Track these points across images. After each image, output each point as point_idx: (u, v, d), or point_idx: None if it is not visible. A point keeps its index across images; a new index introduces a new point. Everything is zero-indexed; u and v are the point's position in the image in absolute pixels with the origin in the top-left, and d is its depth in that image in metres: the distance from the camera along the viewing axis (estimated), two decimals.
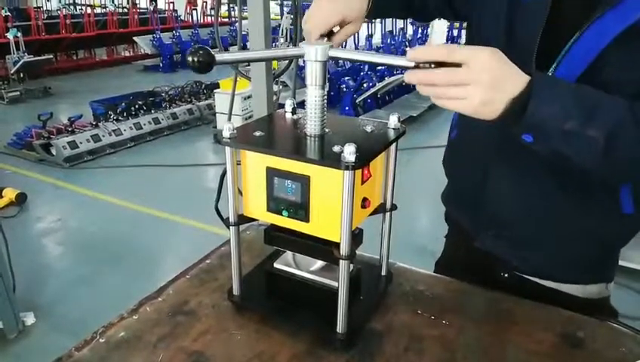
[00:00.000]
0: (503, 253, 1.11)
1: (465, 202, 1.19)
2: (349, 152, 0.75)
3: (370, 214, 0.99)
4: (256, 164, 0.88)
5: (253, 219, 1.00)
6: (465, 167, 1.16)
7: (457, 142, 1.19)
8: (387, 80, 6.88)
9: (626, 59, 0.81)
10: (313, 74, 0.85)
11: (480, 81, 0.73)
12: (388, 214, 1.02)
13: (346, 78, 6.93)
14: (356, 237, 0.96)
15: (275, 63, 2.42)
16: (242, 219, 0.96)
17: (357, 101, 6.79)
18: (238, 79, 2.09)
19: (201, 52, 0.76)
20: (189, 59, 0.76)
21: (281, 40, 7.22)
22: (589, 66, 0.83)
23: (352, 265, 0.92)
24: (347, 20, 0.98)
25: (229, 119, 1.14)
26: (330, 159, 0.79)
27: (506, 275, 1.13)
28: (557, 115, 0.75)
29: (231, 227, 0.95)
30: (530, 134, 0.78)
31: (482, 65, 0.72)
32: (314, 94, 0.87)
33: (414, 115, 6.87)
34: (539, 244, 1.07)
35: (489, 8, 1.01)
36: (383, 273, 1.09)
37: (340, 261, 0.85)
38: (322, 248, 0.92)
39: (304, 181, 0.83)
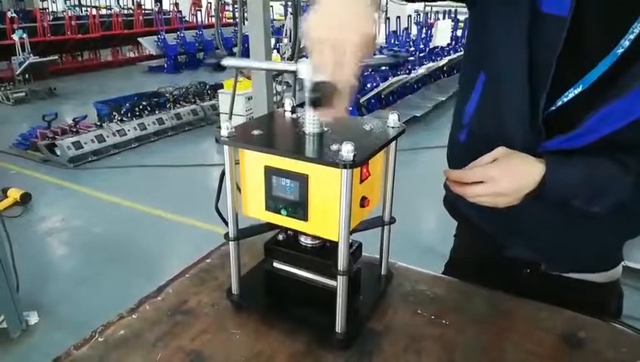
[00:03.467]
0: (532, 256, 1.11)
1: (492, 212, 1.13)
2: (347, 151, 0.75)
3: (369, 228, 1.00)
4: (254, 163, 0.88)
5: (253, 234, 1.02)
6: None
7: (470, 143, 1.12)
8: (391, 80, 6.87)
9: None
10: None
11: (499, 195, 0.90)
12: (387, 212, 1.02)
13: None
14: (355, 251, 0.97)
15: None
16: (242, 234, 0.97)
17: (361, 101, 6.79)
18: (240, 79, 2.09)
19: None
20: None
21: (285, 40, 7.23)
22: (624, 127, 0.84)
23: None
24: None
25: (230, 118, 1.14)
26: (328, 158, 0.78)
27: (529, 271, 1.13)
28: (565, 196, 0.89)
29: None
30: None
31: (499, 182, 0.88)
32: (312, 113, 0.87)
33: (418, 115, 6.85)
34: (565, 247, 1.07)
35: (507, 14, 0.94)
36: (383, 272, 1.09)
37: (338, 276, 0.85)
38: (320, 262, 0.93)
39: (302, 180, 0.83)
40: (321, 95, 0.74)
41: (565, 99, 0.88)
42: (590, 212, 0.90)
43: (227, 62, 0.89)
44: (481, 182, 0.90)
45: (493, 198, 0.90)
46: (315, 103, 0.75)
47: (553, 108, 0.90)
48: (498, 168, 0.89)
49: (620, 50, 0.82)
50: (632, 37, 0.80)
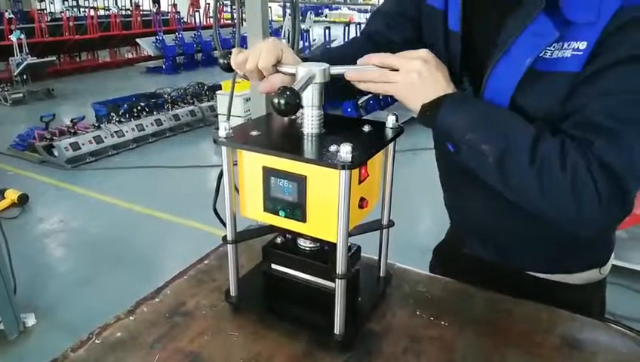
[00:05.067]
0: (490, 257, 1.16)
1: (451, 213, 1.27)
2: (346, 152, 0.75)
3: (368, 231, 1.00)
4: (252, 163, 0.88)
5: (252, 237, 1.02)
6: (443, 184, 1.24)
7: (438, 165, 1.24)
8: None
9: (534, 101, 0.86)
10: (309, 95, 0.85)
11: (406, 81, 0.85)
12: (386, 213, 1.01)
13: None
14: (353, 255, 0.96)
15: None
16: (240, 237, 0.96)
17: (359, 103, 6.79)
18: (238, 81, 2.09)
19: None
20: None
21: (284, 42, 7.23)
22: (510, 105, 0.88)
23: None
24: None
25: (228, 119, 1.14)
26: (326, 158, 0.78)
27: (499, 270, 1.15)
28: (460, 126, 0.84)
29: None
30: (449, 143, 0.88)
31: (413, 69, 0.84)
32: (310, 114, 0.87)
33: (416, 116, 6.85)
34: (520, 247, 1.11)
35: (428, 36, 1.07)
36: (382, 274, 1.08)
37: (337, 280, 0.85)
38: (319, 266, 0.93)
39: (301, 181, 0.83)
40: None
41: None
42: (480, 151, 0.83)
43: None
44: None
45: (395, 78, 0.86)
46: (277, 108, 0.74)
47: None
48: (415, 61, 0.84)
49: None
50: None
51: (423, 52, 0.85)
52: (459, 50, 0.97)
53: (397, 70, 0.85)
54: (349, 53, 1.04)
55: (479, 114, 0.85)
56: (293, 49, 1.95)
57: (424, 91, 0.85)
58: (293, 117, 0.98)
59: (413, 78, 0.84)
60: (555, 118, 0.85)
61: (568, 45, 0.81)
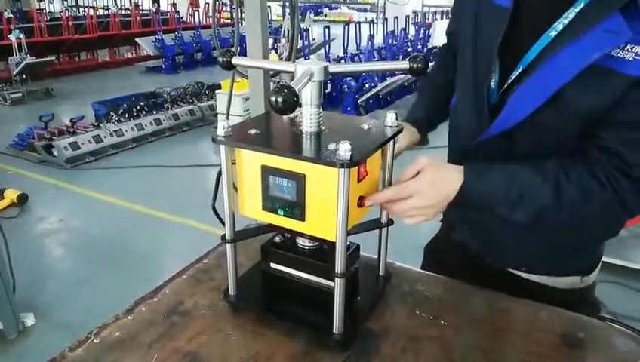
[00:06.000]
0: (474, 245, 1.17)
1: None
2: (344, 150, 0.75)
3: (367, 230, 1.00)
4: (251, 162, 0.87)
5: (250, 236, 1.02)
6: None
7: (449, 136, 1.24)
8: (389, 80, 6.87)
9: (584, 94, 0.85)
10: (308, 93, 0.85)
11: (427, 208, 0.92)
12: (385, 212, 1.01)
13: (348, 78, 6.92)
14: (352, 254, 0.96)
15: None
16: (239, 236, 0.96)
17: (359, 101, 6.78)
18: (238, 80, 2.08)
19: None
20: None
21: (283, 41, 7.22)
22: (550, 97, 0.87)
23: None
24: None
25: (227, 118, 1.13)
26: (325, 157, 0.78)
27: (483, 266, 1.16)
28: (486, 204, 0.93)
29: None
30: None
31: (425, 195, 0.90)
32: (309, 112, 0.87)
33: None
34: (508, 243, 1.11)
35: (463, 8, 1.07)
36: (381, 273, 1.08)
37: (336, 279, 0.85)
38: (318, 265, 0.92)
39: (299, 179, 0.83)
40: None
41: (510, 81, 0.94)
42: (515, 219, 0.92)
43: (237, 60, 0.93)
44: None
45: (423, 211, 0.92)
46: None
47: (499, 92, 0.96)
48: (423, 181, 0.91)
49: (553, 33, 0.86)
50: (565, 21, 0.85)
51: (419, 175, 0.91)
52: (504, 27, 0.92)
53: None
54: (441, 81, 1.28)
55: (499, 190, 0.90)
56: (292, 49, 1.96)
57: (442, 198, 0.91)
58: (292, 115, 0.97)
59: (424, 206, 0.91)
60: (598, 115, 0.85)
61: (632, 48, 0.79)
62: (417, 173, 0.92)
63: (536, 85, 0.87)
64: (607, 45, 0.79)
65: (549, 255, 1.09)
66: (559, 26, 0.86)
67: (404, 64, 0.86)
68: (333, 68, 0.86)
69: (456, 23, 1.20)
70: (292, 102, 0.69)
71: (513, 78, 0.93)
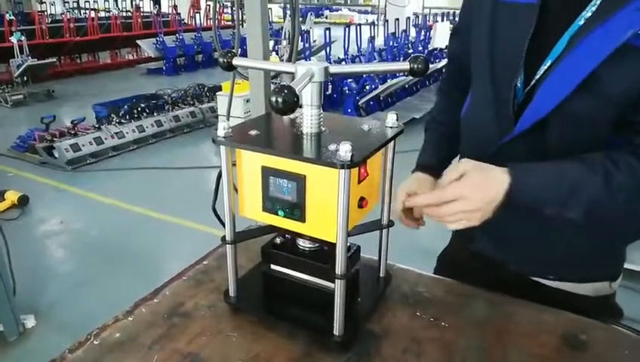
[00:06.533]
0: (497, 253, 1.13)
1: None
2: (345, 151, 0.74)
3: (367, 231, 0.99)
4: (251, 163, 0.87)
5: (251, 237, 1.01)
6: None
7: (461, 148, 1.21)
8: (390, 82, 6.87)
9: (618, 76, 0.83)
10: (308, 93, 0.85)
11: (472, 212, 0.89)
12: (386, 213, 1.01)
13: (349, 80, 6.92)
14: (353, 255, 0.96)
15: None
16: (239, 237, 0.96)
17: (359, 103, 6.78)
18: (239, 82, 2.08)
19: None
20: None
21: (284, 43, 7.22)
22: (583, 81, 0.84)
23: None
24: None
25: (228, 119, 1.13)
26: (325, 158, 0.77)
27: (505, 275, 1.12)
28: (536, 203, 0.89)
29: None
30: None
31: (470, 199, 0.88)
32: (310, 113, 0.87)
33: (417, 117, 6.84)
34: (529, 247, 1.07)
35: (475, 12, 1.04)
36: (382, 274, 1.08)
37: (336, 280, 0.84)
38: (318, 266, 0.92)
39: (300, 180, 0.82)
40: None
41: (537, 77, 0.91)
42: (567, 219, 0.89)
43: (237, 61, 0.92)
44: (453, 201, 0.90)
45: (468, 215, 0.90)
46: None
47: (527, 89, 0.93)
48: (467, 184, 0.89)
49: (582, 21, 0.85)
50: (593, 9, 0.84)
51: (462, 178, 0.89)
52: (533, 22, 0.90)
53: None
54: (447, 119, 1.24)
55: (548, 187, 0.88)
56: (292, 50, 1.95)
57: (487, 202, 0.88)
58: (292, 116, 0.97)
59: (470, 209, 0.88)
60: (634, 98, 0.84)
61: None
62: (460, 177, 0.90)
63: (567, 70, 0.85)
64: (638, 23, 0.78)
65: (578, 260, 1.05)
66: (587, 13, 0.84)
67: (405, 65, 0.86)
68: (334, 69, 0.86)
69: (461, 39, 1.16)
70: (292, 102, 0.68)
71: (541, 72, 0.90)
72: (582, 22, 0.85)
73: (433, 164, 1.21)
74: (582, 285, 1.07)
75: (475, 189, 0.88)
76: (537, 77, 0.91)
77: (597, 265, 1.08)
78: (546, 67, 0.89)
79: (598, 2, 0.83)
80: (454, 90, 1.23)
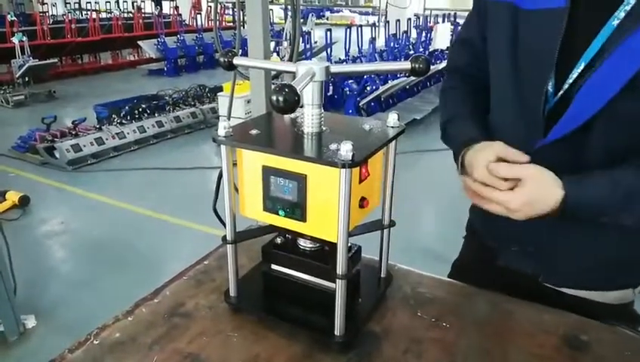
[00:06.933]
0: (526, 267, 1.10)
1: (490, 217, 1.06)
2: (346, 150, 0.74)
3: (368, 231, 0.99)
4: (252, 162, 0.87)
5: (251, 237, 1.01)
6: None
7: None
8: (390, 83, 6.87)
9: None
10: (309, 93, 0.85)
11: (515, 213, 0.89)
12: (387, 213, 1.00)
13: (350, 81, 6.92)
14: (354, 255, 0.96)
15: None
16: (240, 237, 0.96)
17: (360, 104, 6.78)
18: (239, 82, 2.08)
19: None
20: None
21: (285, 44, 7.22)
22: (628, 81, 0.82)
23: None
24: None
25: (228, 119, 1.13)
26: (326, 157, 0.77)
27: (526, 283, 1.09)
28: (591, 214, 0.89)
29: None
30: None
31: (516, 211, 0.88)
32: (311, 112, 0.86)
33: (418, 118, 6.85)
34: (561, 257, 1.05)
35: (491, 23, 1.03)
36: (383, 274, 1.07)
37: (337, 280, 0.84)
38: (319, 266, 0.92)
39: (301, 180, 0.82)
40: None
41: (570, 81, 0.89)
42: (622, 226, 0.89)
43: (238, 61, 0.93)
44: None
45: (510, 213, 0.90)
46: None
47: (560, 93, 0.91)
48: (519, 198, 0.88)
49: (616, 22, 0.83)
50: (627, 7, 0.82)
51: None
52: (562, 26, 0.88)
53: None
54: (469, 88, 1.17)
55: (602, 192, 0.87)
56: (293, 51, 1.95)
57: (533, 214, 0.88)
58: (293, 116, 0.97)
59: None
60: None
61: None
62: (515, 179, 0.88)
63: (610, 71, 0.83)
64: None
65: (615, 268, 1.03)
66: (621, 13, 0.82)
67: (407, 65, 0.85)
68: (335, 68, 0.86)
69: (469, 50, 1.14)
70: (293, 101, 0.68)
71: (575, 76, 0.89)
72: (615, 22, 0.83)
73: (480, 135, 1.07)
74: (608, 293, 1.05)
75: (526, 206, 0.88)
76: (570, 81, 0.89)
77: (629, 273, 1.06)
78: (579, 70, 0.88)
79: (633, 2, 0.81)
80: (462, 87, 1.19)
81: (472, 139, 1.01)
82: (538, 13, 0.91)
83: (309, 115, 0.86)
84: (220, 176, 0.93)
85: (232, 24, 13.57)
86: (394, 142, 0.92)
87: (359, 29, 9.02)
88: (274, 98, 0.68)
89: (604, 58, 0.83)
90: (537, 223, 0.91)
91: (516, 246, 1.09)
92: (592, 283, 1.06)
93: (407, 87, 7.70)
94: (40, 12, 12.26)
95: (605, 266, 1.03)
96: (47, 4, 14.87)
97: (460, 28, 1.24)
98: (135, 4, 13.34)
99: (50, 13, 14.57)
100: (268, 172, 0.85)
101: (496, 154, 0.92)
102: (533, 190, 0.88)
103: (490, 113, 1.10)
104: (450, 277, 1.25)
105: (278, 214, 0.87)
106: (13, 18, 9.15)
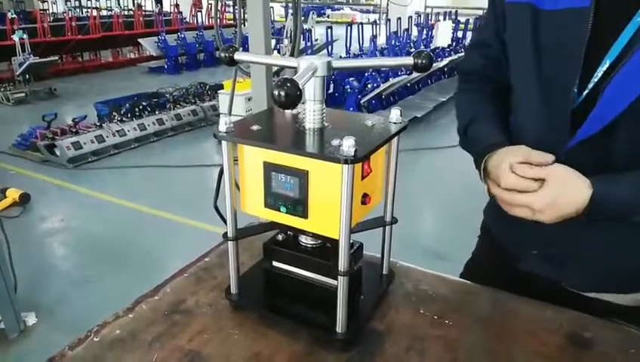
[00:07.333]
0: (550, 272, 1.07)
1: (508, 221, 1.04)
2: (348, 146, 0.73)
3: (370, 228, 0.98)
4: (253, 158, 0.86)
5: (253, 234, 1.01)
6: None
7: None
8: (392, 80, 6.86)
9: None
10: (311, 88, 0.84)
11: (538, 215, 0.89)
12: (389, 210, 1.00)
13: (350, 78, 6.91)
14: (356, 252, 0.95)
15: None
16: (241, 234, 0.95)
17: (361, 102, 6.77)
18: (240, 80, 2.07)
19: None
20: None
21: (286, 42, 7.22)
22: None
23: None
24: None
25: (229, 115, 1.12)
26: (328, 153, 0.76)
27: (543, 286, 1.08)
28: (619, 214, 0.88)
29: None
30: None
31: (540, 213, 0.88)
32: (312, 108, 0.85)
33: (419, 115, 6.84)
34: (583, 260, 1.02)
35: (511, 25, 1.01)
36: (385, 271, 1.07)
37: (339, 277, 0.83)
38: (321, 263, 0.91)
39: (302, 176, 0.81)
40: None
41: (595, 80, 0.88)
42: None
43: (239, 56, 0.92)
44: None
45: (534, 215, 0.89)
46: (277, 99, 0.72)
47: (585, 93, 0.90)
48: (543, 200, 0.87)
49: None
50: None
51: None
52: (587, 27, 0.86)
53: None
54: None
55: (633, 198, 0.86)
56: (294, 49, 1.95)
57: (557, 217, 0.88)
58: (294, 111, 0.96)
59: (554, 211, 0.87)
60: None
61: None
62: (541, 180, 0.88)
63: (637, 68, 0.82)
64: None
65: (630, 266, 1.00)
66: None
67: (409, 60, 0.85)
68: (337, 63, 0.85)
69: (486, 52, 1.13)
70: (295, 95, 0.67)
71: (600, 75, 0.87)
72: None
73: (504, 140, 1.06)
74: (627, 296, 1.03)
75: (550, 207, 0.87)
76: (595, 80, 0.88)
77: None
78: (605, 68, 0.86)
79: None
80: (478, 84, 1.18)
81: (496, 145, 1.00)
82: (560, 13, 0.90)
83: (311, 111, 0.85)
84: (221, 173, 0.92)
85: (232, 22, 13.55)
86: (396, 138, 0.91)
87: (360, 26, 9.01)
88: (276, 92, 0.67)
89: (630, 55, 0.82)
90: (554, 226, 0.90)
91: (536, 250, 1.08)
92: (616, 287, 1.03)
93: (408, 84, 7.69)
94: (40, 9, 12.23)
95: (631, 270, 1.00)
96: (47, 1, 14.85)
97: (473, 32, 1.23)
98: (135, 1, 13.33)
99: (51, 11, 14.56)
100: (269, 168, 0.84)
101: (521, 158, 0.91)
102: (557, 189, 0.87)
103: (513, 115, 1.08)
104: (462, 277, 1.23)
105: (279, 211, 0.86)
106: (14, 15, 9.15)
